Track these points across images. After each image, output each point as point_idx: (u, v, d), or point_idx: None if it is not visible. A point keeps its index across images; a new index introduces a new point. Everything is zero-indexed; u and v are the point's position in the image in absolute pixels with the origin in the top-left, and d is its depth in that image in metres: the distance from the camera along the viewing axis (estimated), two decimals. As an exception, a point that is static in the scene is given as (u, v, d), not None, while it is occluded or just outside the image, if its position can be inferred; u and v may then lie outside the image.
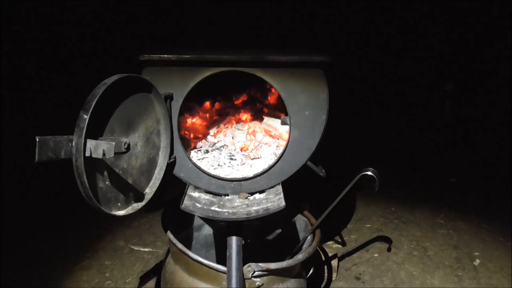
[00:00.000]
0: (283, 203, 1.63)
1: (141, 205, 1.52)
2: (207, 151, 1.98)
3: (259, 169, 1.85)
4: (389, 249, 2.72)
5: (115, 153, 1.25)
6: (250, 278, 1.57)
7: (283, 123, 1.87)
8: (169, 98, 1.69)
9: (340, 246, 2.77)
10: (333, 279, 2.41)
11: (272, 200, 1.71)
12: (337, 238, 2.85)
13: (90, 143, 1.17)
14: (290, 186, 1.83)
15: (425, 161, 4.40)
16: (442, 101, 5.26)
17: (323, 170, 1.84)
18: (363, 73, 5.23)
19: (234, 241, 1.63)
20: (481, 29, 4.85)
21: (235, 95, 2.21)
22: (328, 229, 2.76)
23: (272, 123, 2.12)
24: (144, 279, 2.35)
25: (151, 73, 1.69)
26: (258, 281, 1.59)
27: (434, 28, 4.99)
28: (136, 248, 2.72)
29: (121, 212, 1.41)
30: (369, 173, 1.64)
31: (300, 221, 2.12)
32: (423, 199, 3.51)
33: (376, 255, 2.68)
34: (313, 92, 1.73)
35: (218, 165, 1.90)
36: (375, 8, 4.83)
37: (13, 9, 3.81)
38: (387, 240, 2.83)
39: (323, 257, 2.57)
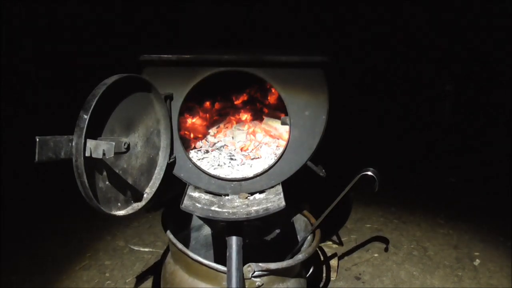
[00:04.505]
0: (283, 203, 1.63)
1: (141, 205, 1.52)
2: (207, 151, 1.98)
3: (259, 169, 1.85)
4: (386, 249, 2.72)
5: (115, 153, 1.25)
6: (250, 278, 1.57)
7: (283, 123, 1.87)
8: (169, 98, 1.69)
9: (340, 246, 2.77)
10: (333, 279, 2.41)
11: (272, 200, 1.71)
12: (337, 238, 2.85)
13: (90, 143, 1.17)
14: (290, 186, 1.83)
15: (425, 161, 4.40)
16: (442, 101, 5.26)
17: (323, 170, 1.84)
18: (363, 72, 5.23)
19: (234, 241, 1.63)
20: (481, 28, 4.85)
21: (235, 95, 2.21)
22: (328, 229, 2.76)
23: (272, 123, 2.12)
24: (143, 279, 2.35)
25: (151, 73, 1.68)
26: (258, 281, 1.59)
27: (434, 27, 5.00)
28: (136, 248, 2.72)
29: (121, 212, 1.41)
30: (369, 173, 1.64)
31: (300, 221, 2.12)
32: (423, 199, 3.51)
33: (376, 255, 2.68)
34: (313, 92, 1.73)
35: (218, 165, 1.90)
36: (374, 8, 4.83)
37: (12, 8, 3.82)
38: (384, 240, 2.82)
39: (323, 257, 2.57)
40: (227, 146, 2.03)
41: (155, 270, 2.38)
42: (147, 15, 4.07)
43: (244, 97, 2.22)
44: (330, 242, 2.79)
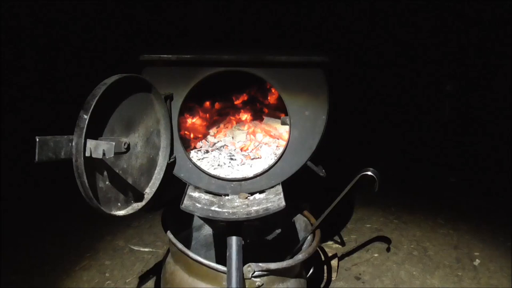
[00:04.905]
0: (283, 203, 1.63)
1: (141, 205, 1.52)
2: (207, 151, 1.98)
3: (259, 169, 1.85)
4: (388, 249, 2.72)
5: (115, 153, 1.25)
6: (250, 278, 1.57)
7: (283, 123, 1.87)
8: (169, 98, 1.69)
9: (340, 246, 2.77)
10: (333, 279, 2.41)
11: (272, 200, 1.71)
12: (337, 238, 2.85)
13: (90, 143, 1.17)
14: (290, 186, 1.83)
15: (425, 161, 4.40)
16: (442, 101, 5.25)
17: (323, 170, 1.84)
18: (363, 72, 5.23)
19: (234, 241, 1.63)
20: (481, 28, 4.85)
21: (235, 95, 2.21)
22: (328, 229, 2.76)
23: (272, 123, 2.12)
24: (144, 279, 2.35)
25: (151, 73, 1.69)
26: (258, 281, 1.59)
27: (434, 27, 5.00)
28: (136, 248, 2.72)
29: (121, 212, 1.41)
30: (369, 173, 1.64)
31: (300, 221, 2.12)
32: (423, 199, 3.51)
33: (376, 255, 2.68)
34: (313, 92, 1.73)
35: (218, 165, 1.90)
36: (374, 8, 4.83)
37: (11, 9, 3.82)
38: (386, 240, 2.82)
39: (323, 257, 2.57)
40: (227, 146, 2.04)
41: (157, 270, 2.38)
42: (147, 15, 4.07)
43: (244, 97, 2.22)
44: (330, 242, 2.79)
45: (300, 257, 1.68)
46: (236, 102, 2.22)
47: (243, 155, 1.98)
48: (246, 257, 1.62)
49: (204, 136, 2.09)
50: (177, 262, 1.75)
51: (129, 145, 1.41)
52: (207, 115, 2.15)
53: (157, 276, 2.34)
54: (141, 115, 1.51)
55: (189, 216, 2.05)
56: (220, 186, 1.82)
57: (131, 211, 1.46)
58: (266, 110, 2.19)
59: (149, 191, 1.59)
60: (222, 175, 1.83)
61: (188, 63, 1.69)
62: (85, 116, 1.16)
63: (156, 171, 1.65)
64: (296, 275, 1.77)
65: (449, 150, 4.68)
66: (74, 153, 1.15)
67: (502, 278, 2.46)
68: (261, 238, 2.22)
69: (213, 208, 1.67)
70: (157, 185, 1.62)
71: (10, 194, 3.33)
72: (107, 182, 1.34)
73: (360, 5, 4.74)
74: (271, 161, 1.86)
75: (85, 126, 1.15)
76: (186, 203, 1.65)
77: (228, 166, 1.90)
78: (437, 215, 3.23)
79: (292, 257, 1.69)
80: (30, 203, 3.26)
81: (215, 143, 2.05)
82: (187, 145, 1.96)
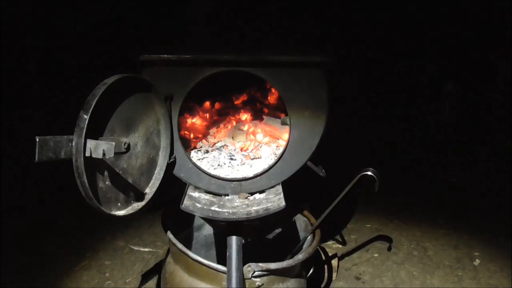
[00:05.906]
0: (283, 203, 1.63)
1: (141, 205, 1.52)
2: (207, 151, 1.98)
3: (259, 169, 1.85)
4: (389, 248, 2.72)
5: (115, 153, 1.25)
6: (250, 278, 1.57)
7: (283, 123, 1.87)
8: (169, 98, 1.69)
9: (340, 246, 2.77)
10: (333, 279, 2.41)
11: (272, 200, 1.71)
12: (337, 238, 2.85)
13: (90, 143, 1.17)
14: (290, 186, 1.83)
15: (425, 161, 4.40)
16: (442, 101, 5.26)
17: (323, 170, 1.85)
18: (363, 72, 5.23)
19: (234, 241, 1.63)
20: (482, 28, 4.85)
21: (235, 95, 2.21)
22: (328, 229, 2.76)
23: (272, 123, 2.12)
24: (144, 278, 2.35)
25: (151, 73, 1.69)
26: (258, 281, 1.59)
27: (434, 26, 5.00)
28: (136, 248, 2.72)
29: (121, 212, 1.41)
30: (369, 173, 1.64)
31: (300, 221, 2.12)
32: (423, 199, 3.51)
33: (376, 255, 2.68)
34: (313, 92, 1.73)
35: (218, 165, 1.90)
36: (374, 8, 4.84)
37: (12, 8, 3.82)
38: (387, 239, 2.82)
39: (323, 257, 2.57)
40: (227, 146, 2.04)
41: (157, 270, 2.39)
42: (147, 15, 4.07)
43: (244, 97, 2.22)
44: (331, 242, 2.79)
45: (300, 257, 1.68)
46: (236, 102, 2.22)
47: (243, 155, 1.98)
48: (246, 257, 1.62)
49: (204, 136, 2.09)
50: (177, 262, 1.75)
51: (129, 145, 1.42)
52: (207, 115, 2.15)
53: (157, 276, 2.35)
54: (141, 115, 1.52)
55: (189, 216, 2.05)
56: (220, 186, 1.82)
57: (131, 211, 1.46)
58: (266, 110, 2.19)
59: (149, 191, 1.59)
60: (222, 175, 1.83)
61: (188, 63, 1.69)
62: (85, 116, 1.16)
63: (156, 171, 1.65)
64: (296, 275, 1.77)
65: (449, 150, 4.68)
66: (74, 153, 1.15)
67: (502, 278, 2.46)
68: (261, 238, 2.22)
69: (213, 208, 1.67)
70: (157, 185, 1.62)
71: (10, 194, 3.33)
72: (107, 182, 1.34)
73: (360, 5, 4.74)
74: (271, 161, 1.86)
75: (85, 126, 1.15)
76: (186, 203, 1.65)
77: (228, 166, 1.90)
78: (437, 215, 3.23)
79: (292, 257, 1.69)
80: (30, 203, 3.26)
81: (215, 143, 2.05)
82: (187, 145, 1.96)
